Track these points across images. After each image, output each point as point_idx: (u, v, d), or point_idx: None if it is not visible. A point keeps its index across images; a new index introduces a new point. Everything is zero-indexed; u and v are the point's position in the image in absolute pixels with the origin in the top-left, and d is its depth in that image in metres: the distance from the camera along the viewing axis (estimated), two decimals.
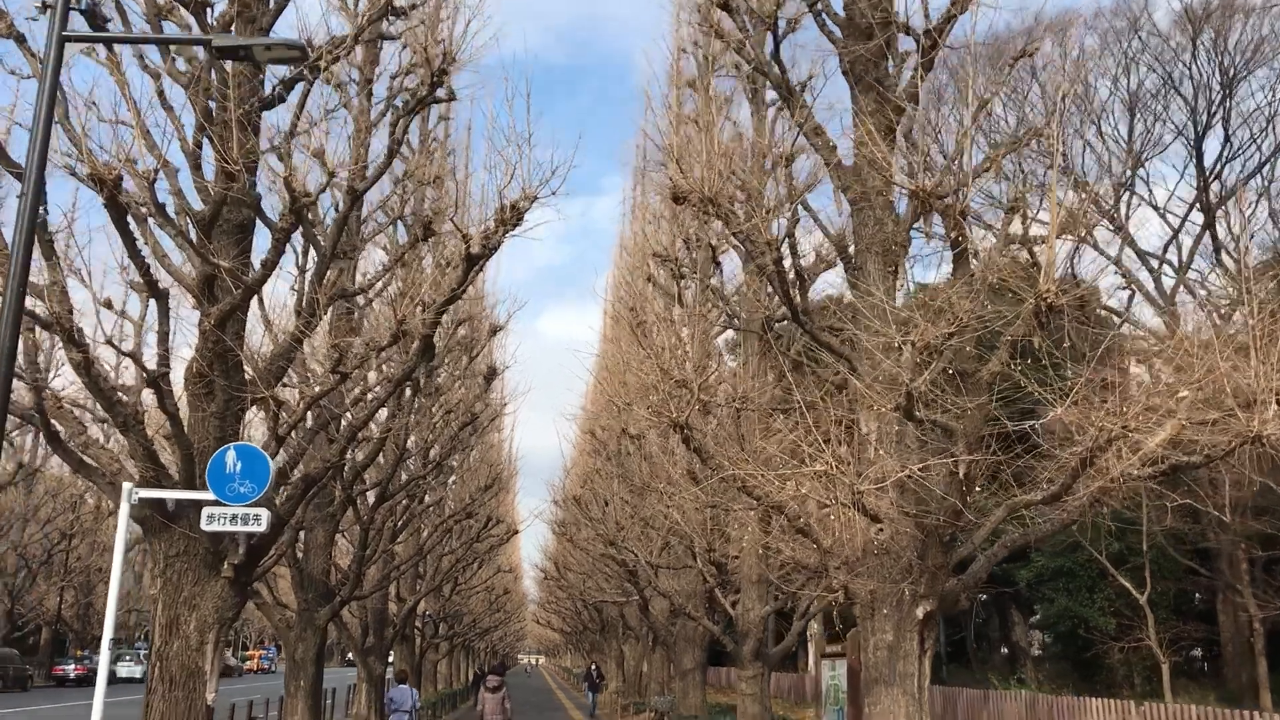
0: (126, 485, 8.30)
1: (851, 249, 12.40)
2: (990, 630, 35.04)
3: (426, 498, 22.06)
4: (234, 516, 8.32)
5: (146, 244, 9.42)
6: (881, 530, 10.19)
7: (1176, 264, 27.85)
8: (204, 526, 8.39)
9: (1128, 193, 27.76)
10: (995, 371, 9.36)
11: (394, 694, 24.67)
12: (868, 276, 11.22)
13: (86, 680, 42.74)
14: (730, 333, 20.05)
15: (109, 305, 10.82)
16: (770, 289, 18.08)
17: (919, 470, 8.72)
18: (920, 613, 10.15)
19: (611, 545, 19.90)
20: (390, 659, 26.15)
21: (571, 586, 35.75)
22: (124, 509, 8.23)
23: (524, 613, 72.64)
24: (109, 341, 8.50)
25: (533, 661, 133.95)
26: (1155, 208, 29.31)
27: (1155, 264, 27.25)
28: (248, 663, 69.85)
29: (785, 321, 18.16)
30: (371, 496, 16.50)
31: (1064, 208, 8.07)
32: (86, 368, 8.45)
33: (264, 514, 8.32)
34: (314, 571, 16.38)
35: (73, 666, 43.05)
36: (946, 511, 9.54)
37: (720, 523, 16.44)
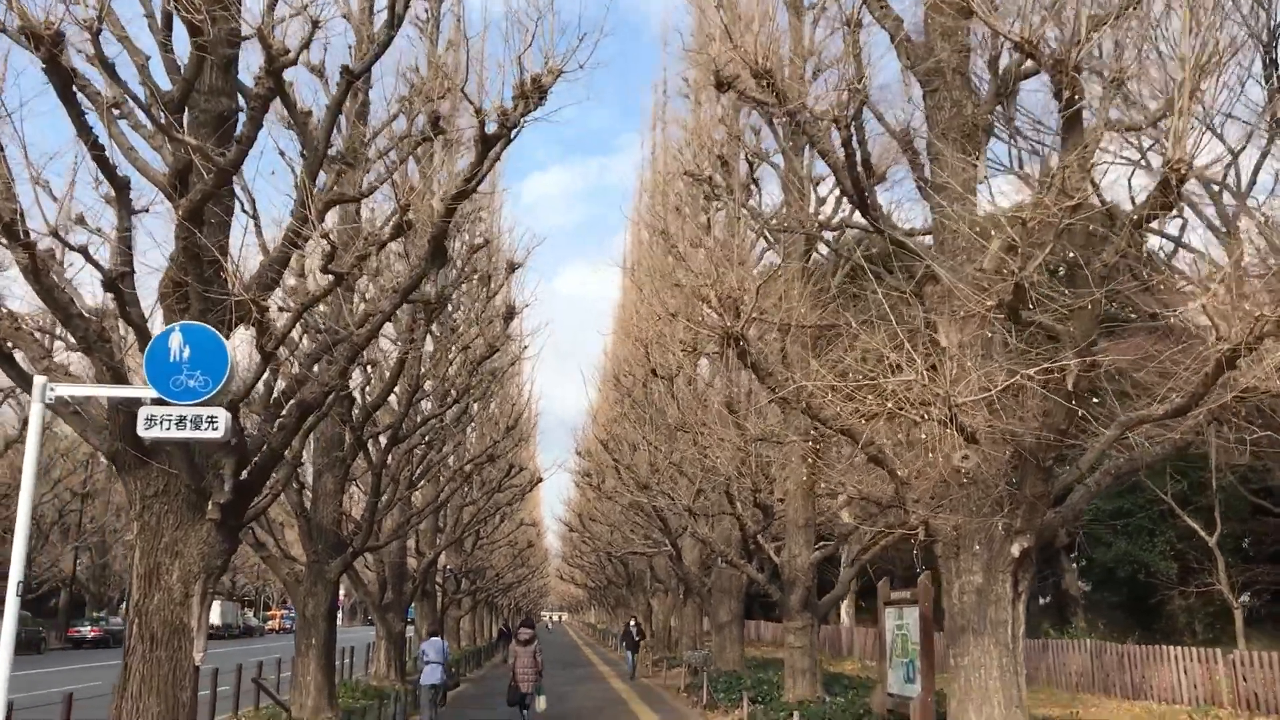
0: (39, 380, 6.80)
1: (922, 141, 10.91)
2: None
3: (445, 446, 20.77)
4: (181, 419, 6.79)
5: (110, 135, 8.02)
6: (968, 457, 8.76)
7: (1236, 188, 26.09)
8: (142, 432, 6.89)
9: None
10: (1111, 261, 7.89)
11: (425, 646, 23.67)
12: (945, 166, 9.72)
13: (103, 642, 41.98)
14: (767, 259, 18.54)
15: (81, 221, 9.46)
16: (812, 204, 16.60)
17: (1031, 376, 7.27)
18: (1016, 550, 8.76)
19: (644, 489, 18.56)
20: (411, 616, 25.05)
21: (596, 539, 34.58)
22: (36, 409, 6.72)
23: (547, 568, 71.82)
24: (54, 233, 7.11)
25: (555, 618, 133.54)
26: (1212, 129, 27.45)
27: (1215, 188, 25.50)
28: (269, 622, 69.38)
29: (832, 242, 16.68)
30: (385, 441, 15.17)
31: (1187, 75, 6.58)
32: (35, 271, 7.08)
33: (222, 417, 6.83)
34: (324, 521, 15.11)
35: (89, 628, 42.24)
36: (1050, 430, 8.13)
37: (763, 462, 15.07)
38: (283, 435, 8.46)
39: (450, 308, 22.84)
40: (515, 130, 8.20)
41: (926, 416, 7.41)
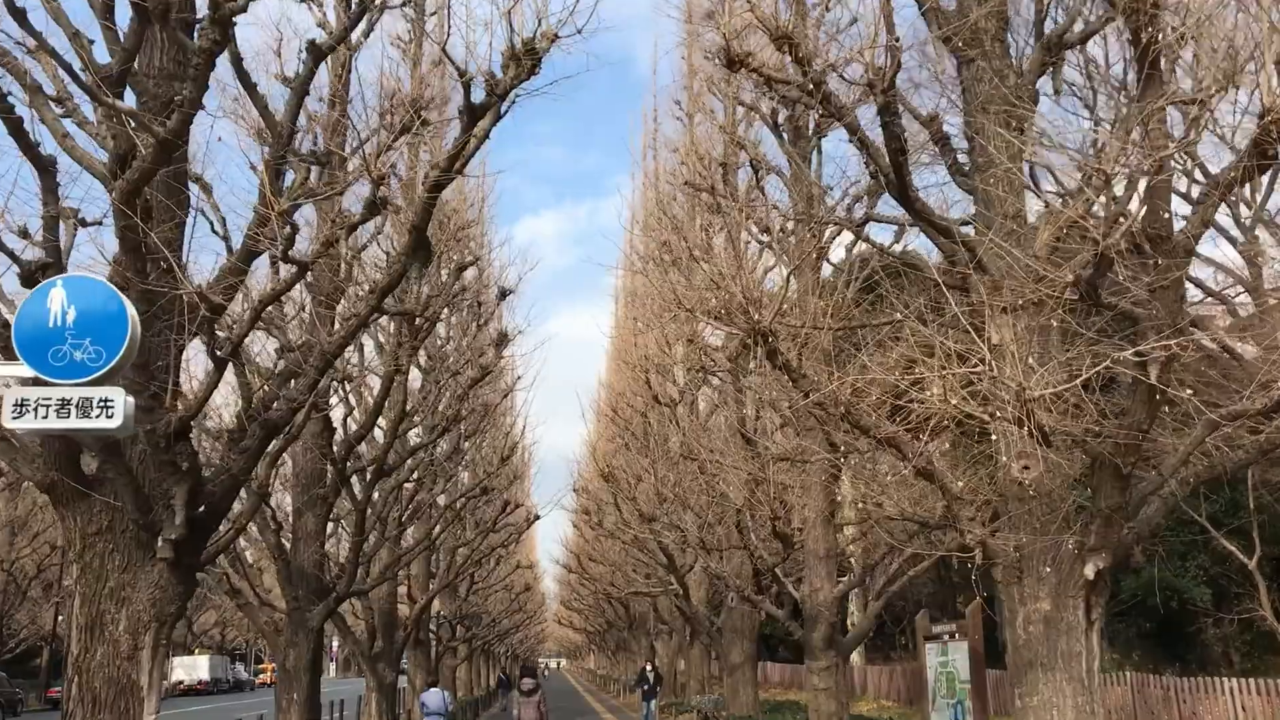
0: None
1: (950, 127, 9.91)
2: None
3: (436, 485, 19.57)
4: (64, 404, 5.36)
5: (41, 119, 6.96)
6: (1028, 468, 7.66)
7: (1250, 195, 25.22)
8: (8, 423, 5.39)
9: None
10: (1196, 232, 6.86)
11: (425, 698, 22.37)
12: (988, 140, 8.70)
13: None
14: (770, 280, 17.50)
15: (25, 235, 8.37)
16: (816, 219, 15.59)
17: (1119, 360, 6.20)
18: (1090, 571, 7.63)
19: (649, 522, 17.37)
20: (403, 665, 23.71)
21: (596, 580, 33.28)
22: None
23: (544, 613, 70.20)
24: None
25: (552, 665, 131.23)
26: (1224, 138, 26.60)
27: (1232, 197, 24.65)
28: (260, 675, 67.47)
29: (848, 249, 15.62)
30: (370, 475, 14.00)
31: None
32: None
33: (120, 401, 5.49)
34: (304, 564, 13.90)
35: None
36: (1132, 429, 7.05)
37: (779, 488, 13.92)
38: (244, 460, 7.32)
39: (440, 340, 21.79)
40: (506, 103, 7.16)
41: (996, 416, 6.32)
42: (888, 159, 7.79)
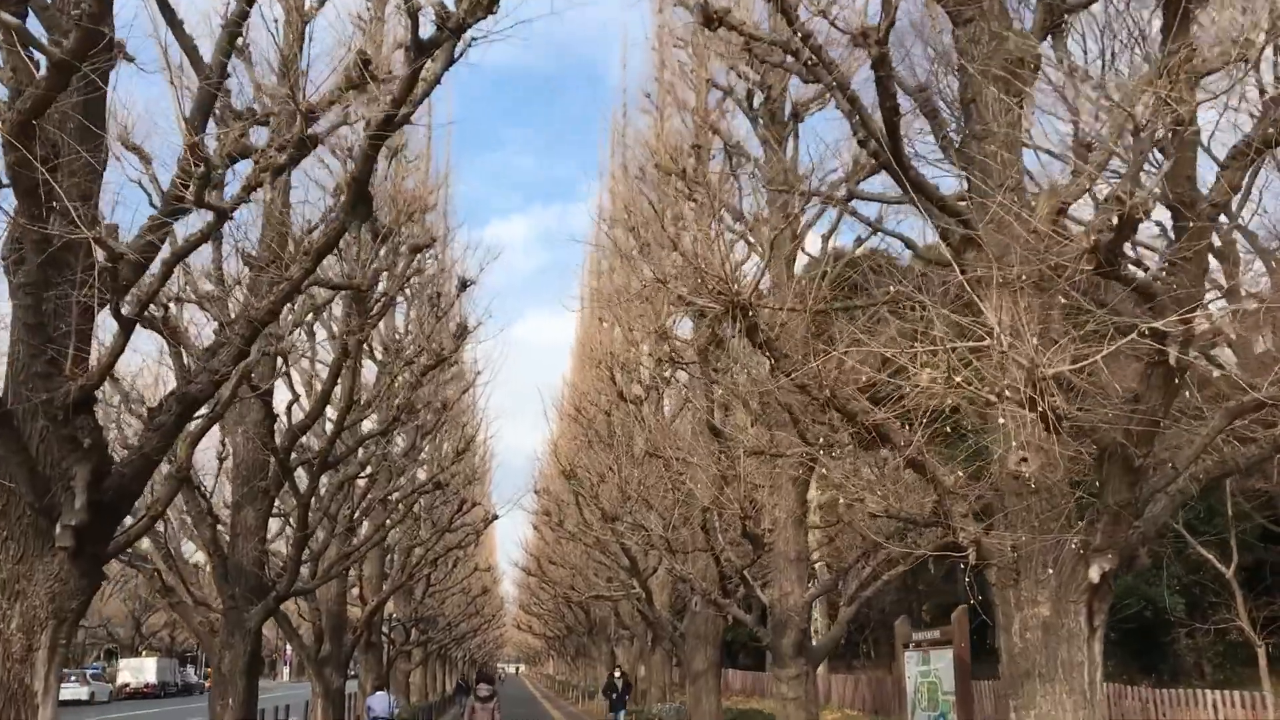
0: None
1: (941, 100, 9.27)
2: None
3: (392, 481, 18.69)
4: None
5: None
6: (1026, 460, 7.00)
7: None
8: None
9: None
10: (1220, 200, 6.23)
11: (371, 702, 21.55)
12: (984, 111, 8.06)
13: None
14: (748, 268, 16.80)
15: None
16: (796, 203, 14.94)
17: (1146, 333, 5.54)
18: (1095, 574, 6.98)
19: (612, 522, 16.61)
20: (351, 670, 22.82)
21: (556, 584, 32.45)
22: None
23: (503, 617, 69.17)
24: None
25: (510, 670, 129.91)
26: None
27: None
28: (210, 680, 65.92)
29: (819, 250, 14.97)
30: (315, 466, 13.14)
31: None
32: None
33: None
34: (243, 561, 13.02)
35: None
36: (1146, 416, 6.40)
37: (749, 487, 13.21)
38: (158, 438, 6.50)
39: (397, 335, 20.94)
40: (461, 44, 6.40)
41: (1004, 397, 5.64)
42: (881, 121, 7.11)
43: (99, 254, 5.25)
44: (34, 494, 6.18)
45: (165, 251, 6.37)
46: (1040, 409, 5.45)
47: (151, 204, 7.82)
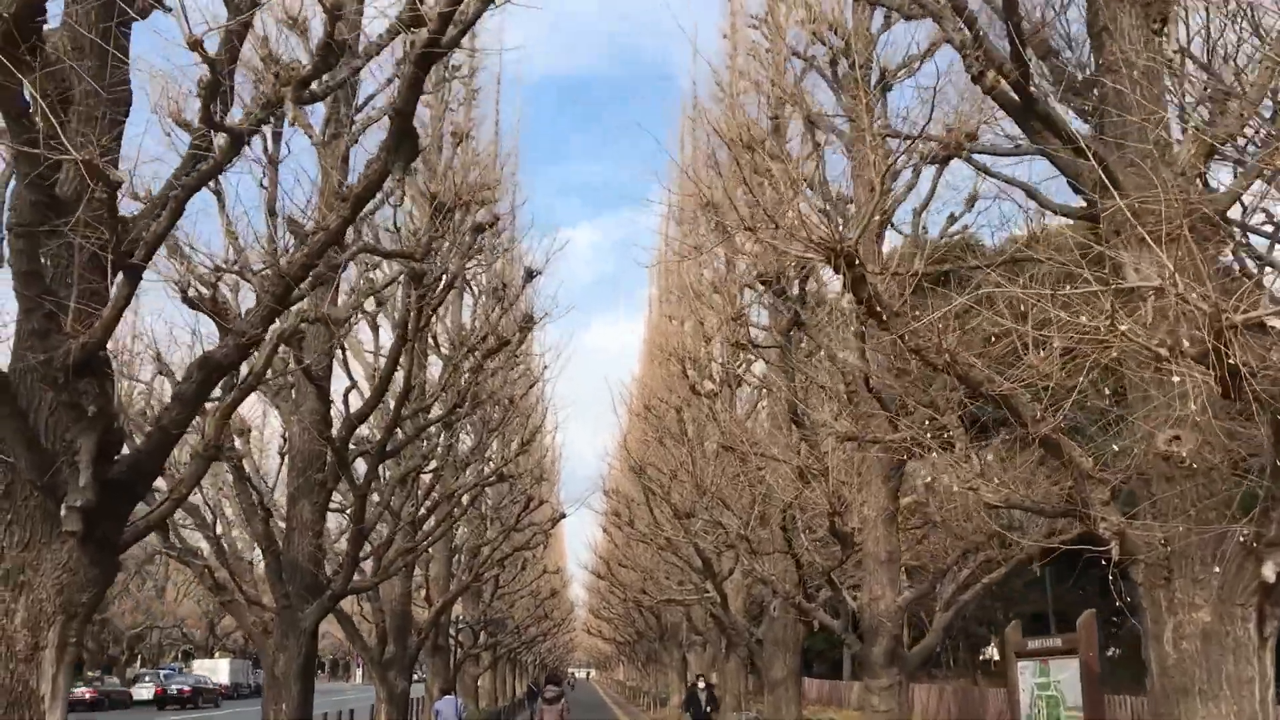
0: None
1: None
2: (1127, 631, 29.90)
3: (460, 476, 17.93)
4: None
5: None
6: (1178, 438, 5.92)
7: None
8: None
9: None
10: None
11: (439, 706, 20.99)
12: (1119, 39, 6.98)
13: (99, 704, 39.14)
14: None
15: None
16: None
17: None
18: (1269, 573, 5.87)
19: (686, 519, 15.67)
20: (418, 674, 22.17)
21: (626, 587, 31.58)
22: None
23: (573, 621, 68.55)
24: None
25: (581, 675, 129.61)
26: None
27: None
28: None
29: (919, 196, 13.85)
30: (372, 456, 12.39)
31: None
32: None
33: None
34: (298, 558, 12.32)
35: (83, 689, 39.39)
36: None
37: (835, 482, 12.18)
38: (178, 409, 5.72)
39: (464, 330, 20.25)
40: None
41: (1178, 352, 4.58)
42: (1011, 32, 6.08)
43: (95, 186, 4.44)
44: (34, 470, 5.43)
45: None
46: (1229, 362, 4.38)
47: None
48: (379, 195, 12.69)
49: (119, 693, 44.19)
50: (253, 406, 18.11)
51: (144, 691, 44.25)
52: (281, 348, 12.63)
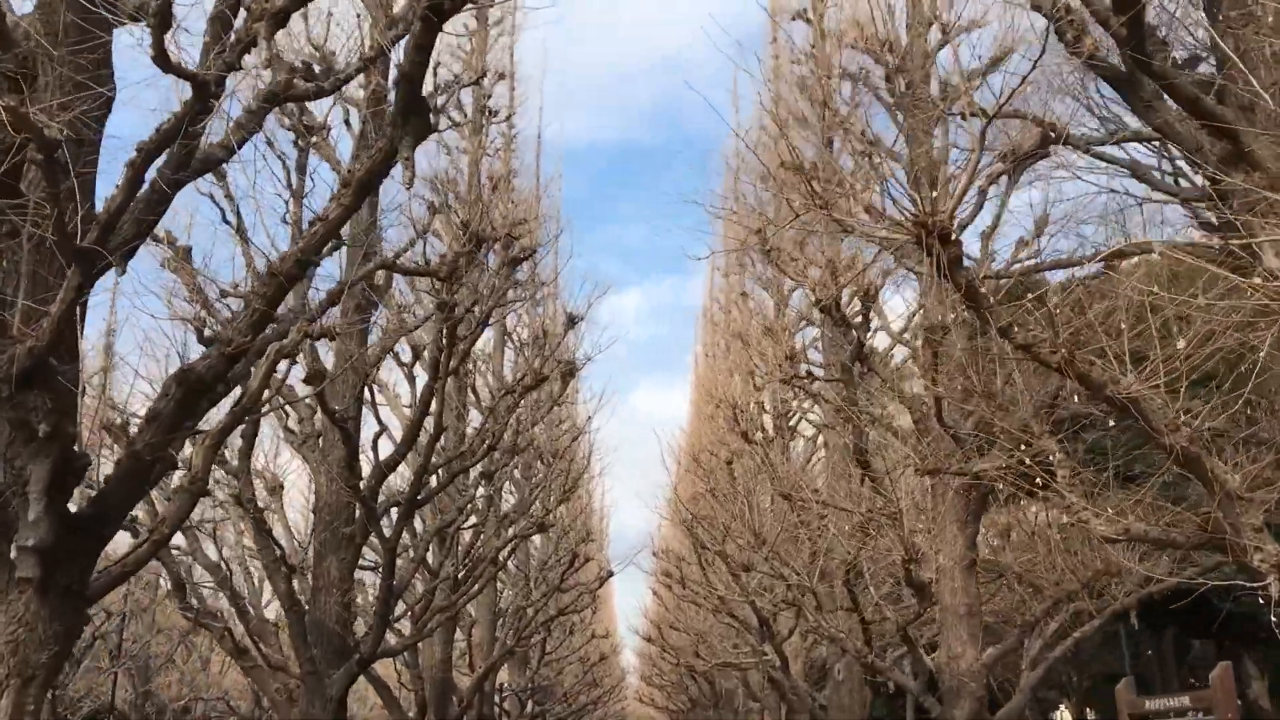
0: None
1: None
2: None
3: (498, 535, 17.00)
4: None
5: None
6: None
7: None
8: None
9: None
10: None
11: None
12: None
13: None
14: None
15: None
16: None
17: None
18: None
19: (745, 573, 14.59)
20: None
21: (678, 651, 30.28)
22: None
23: (624, 690, 66.76)
24: None
25: None
26: None
27: None
28: None
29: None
30: (402, 508, 11.51)
31: None
32: None
33: None
34: (324, 619, 11.42)
35: None
36: None
37: (911, 526, 11.10)
38: (153, 431, 4.87)
39: (504, 382, 19.47)
40: None
41: None
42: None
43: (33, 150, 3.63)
44: None
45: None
46: None
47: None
48: (410, 237, 11.98)
49: None
50: (288, 464, 17.31)
51: None
52: (307, 396, 11.89)
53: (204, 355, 4.89)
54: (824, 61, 13.12)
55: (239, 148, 5.54)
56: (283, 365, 10.96)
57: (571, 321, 16.96)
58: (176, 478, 7.12)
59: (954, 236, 4.68)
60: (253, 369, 5.61)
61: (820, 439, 22.75)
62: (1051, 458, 6.84)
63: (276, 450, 15.60)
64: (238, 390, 5.88)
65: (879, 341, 14.47)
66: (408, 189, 5.17)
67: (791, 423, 22.14)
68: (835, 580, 14.49)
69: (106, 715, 42.30)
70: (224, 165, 11.17)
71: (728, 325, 25.88)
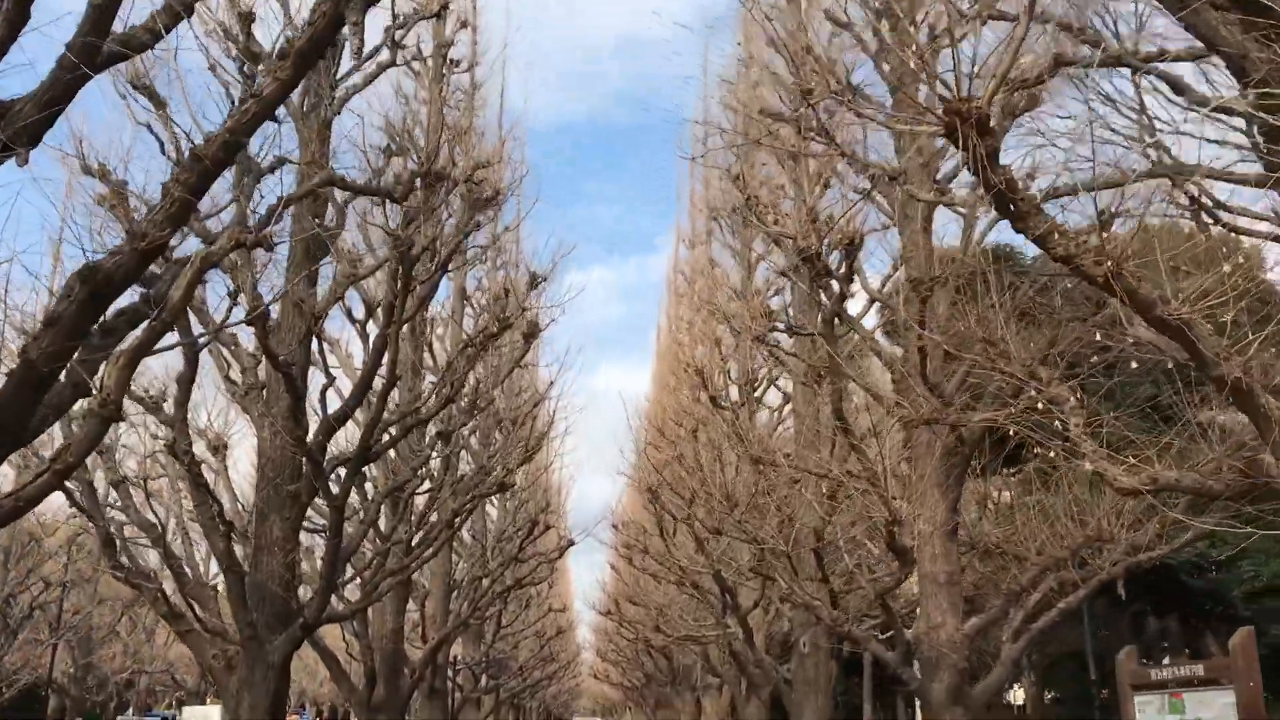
0: None
1: None
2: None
3: (453, 500, 16.26)
4: None
5: None
6: None
7: None
8: None
9: None
10: None
11: None
12: None
13: None
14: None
15: None
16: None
17: None
18: None
19: (716, 536, 14.01)
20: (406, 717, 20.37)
21: (637, 625, 29.77)
22: None
23: (579, 666, 66.33)
24: None
25: None
26: None
27: None
28: None
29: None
30: (350, 465, 10.76)
31: None
32: None
33: None
34: (266, 581, 10.67)
35: None
36: None
37: (891, 492, 10.53)
38: (51, 337, 4.11)
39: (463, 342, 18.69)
40: None
41: None
42: None
43: None
44: None
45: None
46: None
47: None
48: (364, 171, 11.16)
49: None
50: (235, 426, 16.28)
51: None
52: (253, 344, 11.09)
53: (114, 250, 4.14)
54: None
55: (166, 32, 4.80)
56: (224, 306, 10.19)
57: (534, 281, 16.27)
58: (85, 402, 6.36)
59: (992, 124, 4.05)
60: (175, 280, 4.86)
61: (788, 408, 22.24)
62: (1064, 406, 6.26)
63: (227, 416, 14.70)
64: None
65: (855, 306, 13.91)
66: (356, 58, 4.41)
67: (757, 393, 21.60)
68: (804, 549, 13.96)
69: (45, 688, 41.13)
70: (165, 98, 10.34)
71: (693, 296, 25.29)
